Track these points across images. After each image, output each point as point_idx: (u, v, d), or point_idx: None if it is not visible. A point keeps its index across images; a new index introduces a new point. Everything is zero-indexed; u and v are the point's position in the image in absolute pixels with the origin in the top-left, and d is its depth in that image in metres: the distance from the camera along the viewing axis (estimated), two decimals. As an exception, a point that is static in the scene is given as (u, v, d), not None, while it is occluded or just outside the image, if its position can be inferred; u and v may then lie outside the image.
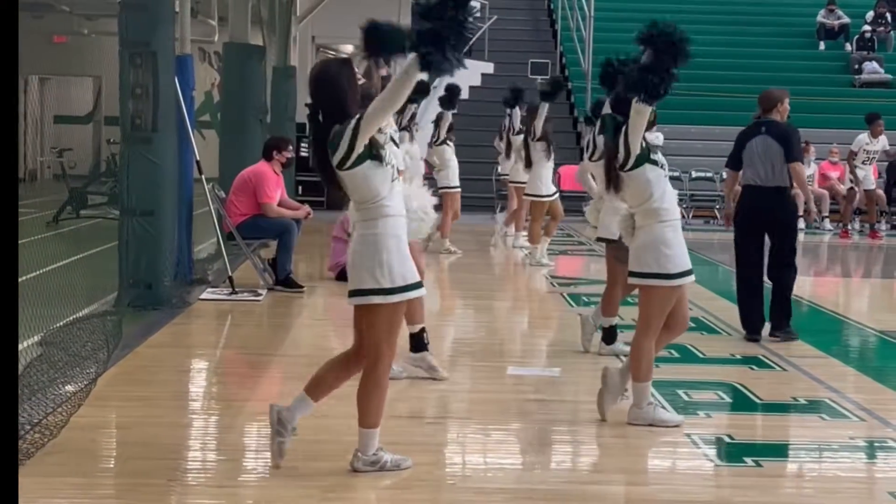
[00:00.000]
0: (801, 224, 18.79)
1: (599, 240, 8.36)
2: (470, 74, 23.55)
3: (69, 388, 6.49)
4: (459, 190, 14.55)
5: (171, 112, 9.78)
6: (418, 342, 7.31)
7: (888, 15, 26.13)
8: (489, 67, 24.14)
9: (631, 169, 6.18)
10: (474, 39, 24.69)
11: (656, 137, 22.07)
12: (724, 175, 9.89)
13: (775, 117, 8.82)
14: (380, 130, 5.14)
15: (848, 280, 13.73)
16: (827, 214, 19.41)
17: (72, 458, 5.42)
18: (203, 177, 10.99)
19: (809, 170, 19.65)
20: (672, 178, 21.66)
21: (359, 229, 5.22)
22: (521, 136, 13.36)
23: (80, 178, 19.12)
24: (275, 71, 17.11)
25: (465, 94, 22.92)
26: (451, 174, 14.40)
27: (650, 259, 6.17)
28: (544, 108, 12.78)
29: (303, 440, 5.88)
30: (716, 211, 20.02)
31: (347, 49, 25.12)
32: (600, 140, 7.70)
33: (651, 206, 6.19)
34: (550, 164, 13.12)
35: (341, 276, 11.35)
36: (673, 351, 8.38)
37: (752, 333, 8.73)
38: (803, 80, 23.77)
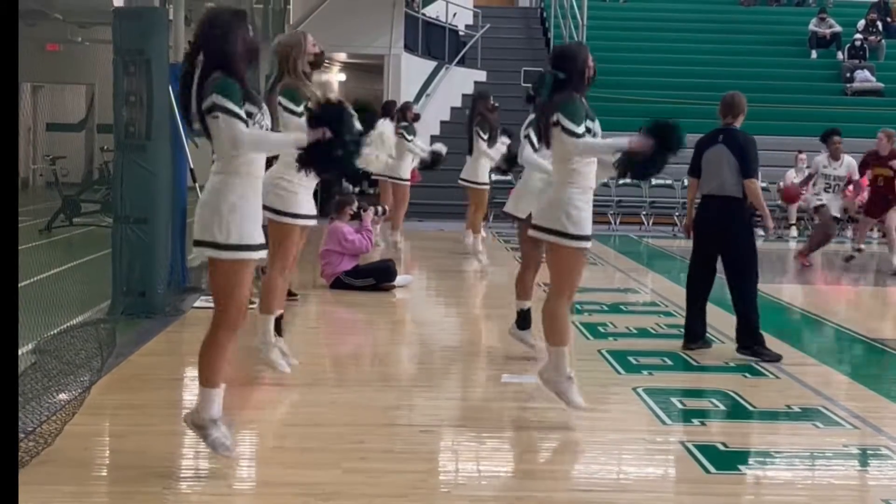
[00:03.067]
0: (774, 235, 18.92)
1: (506, 214, 8.51)
2: (462, 82, 23.62)
3: (63, 396, 6.48)
4: (409, 184, 14.72)
5: (164, 120, 9.78)
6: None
7: (879, 23, 26.23)
8: (482, 76, 24.18)
9: (563, 131, 6.26)
10: (467, 48, 24.74)
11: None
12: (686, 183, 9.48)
13: (737, 124, 8.59)
14: (250, 94, 5.21)
15: (840, 288, 13.75)
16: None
17: (66, 466, 5.42)
18: (197, 185, 10.97)
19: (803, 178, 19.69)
20: (664, 186, 21.51)
21: (210, 179, 5.26)
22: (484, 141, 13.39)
23: (73, 186, 19.09)
24: (268, 79, 17.11)
25: (457, 102, 23.01)
26: (405, 167, 14.56)
27: (553, 216, 6.29)
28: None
29: (295, 448, 5.89)
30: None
31: (340, 58, 25.17)
32: None
33: (570, 166, 6.29)
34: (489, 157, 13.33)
35: (335, 284, 11.37)
36: (667, 359, 8.40)
37: (688, 342, 8.66)
38: (795, 88, 23.85)
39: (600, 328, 9.58)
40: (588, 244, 6.40)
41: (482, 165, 13.31)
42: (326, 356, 8.65)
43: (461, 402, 7.26)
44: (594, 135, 6.33)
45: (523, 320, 8.20)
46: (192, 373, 8.05)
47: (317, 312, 10.49)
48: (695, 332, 8.69)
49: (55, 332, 8.22)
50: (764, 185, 19.72)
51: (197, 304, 10.25)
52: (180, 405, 7.07)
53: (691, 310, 8.75)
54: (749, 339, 8.46)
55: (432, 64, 23.59)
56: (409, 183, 14.96)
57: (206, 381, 5.33)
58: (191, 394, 7.45)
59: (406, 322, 10.53)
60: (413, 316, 10.87)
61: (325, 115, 5.31)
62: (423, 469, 5.62)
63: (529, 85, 7.26)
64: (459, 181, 13.69)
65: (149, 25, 9.55)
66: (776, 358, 8.36)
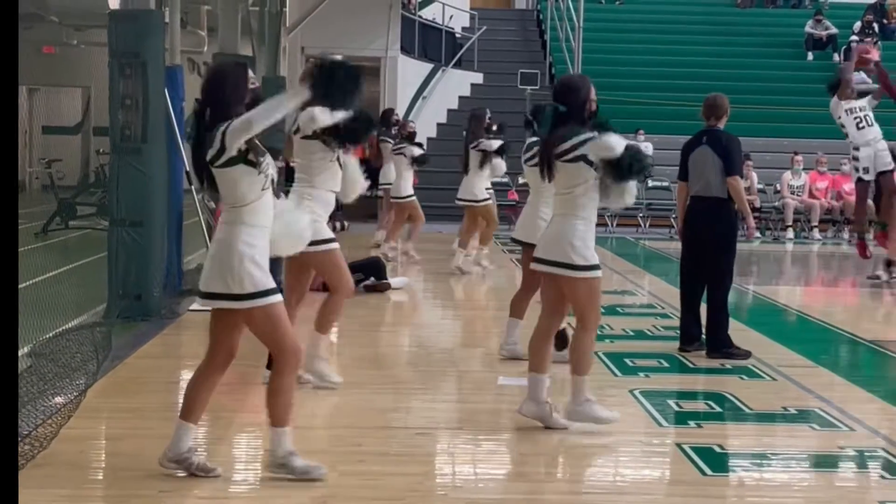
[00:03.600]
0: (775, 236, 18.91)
1: (514, 241, 8.51)
2: (458, 84, 23.64)
3: (59, 399, 6.48)
4: (413, 199, 14.55)
5: (160, 123, 9.77)
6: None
7: (875, 25, 26.25)
8: (478, 77, 24.19)
9: (569, 161, 6.22)
10: (463, 50, 24.76)
11: (645, 147, 22.26)
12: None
13: (721, 126, 8.71)
14: (255, 144, 5.25)
15: (836, 289, 13.76)
16: (816, 224, 19.47)
17: (62, 470, 5.41)
18: (193, 187, 10.97)
19: (800, 180, 19.73)
20: (661, 188, 21.53)
21: (219, 231, 5.31)
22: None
23: (69, 189, 19.08)
24: (264, 81, 17.11)
25: (453, 105, 23.03)
26: (405, 184, 14.43)
27: (558, 249, 6.26)
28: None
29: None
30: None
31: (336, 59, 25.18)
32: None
33: (573, 198, 6.27)
34: (485, 174, 13.24)
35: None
36: (663, 361, 8.40)
37: (683, 344, 8.71)
38: (792, 90, 23.87)
39: (597, 330, 9.55)
40: (599, 273, 6.36)
41: (479, 182, 13.22)
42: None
43: (458, 404, 7.26)
44: (596, 169, 6.24)
45: (562, 342, 8.21)
46: (188, 375, 8.04)
47: (312, 314, 10.47)
48: (690, 335, 8.71)
49: (51, 335, 8.22)
50: (761, 186, 19.79)
51: (193, 307, 10.24)
52: (176, 408, 7.02)
53: (686, 312, 8.77)
54: (717, 342, 8.52)
55: (429, 66, 23.60)
56: (413, 198, 14.71)
57: (281, 421, 5.32)
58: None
59: (402, 324, 10.52)
60: (409, 318, 10.87)
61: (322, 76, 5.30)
62: (420, 471, 5.62)
63: (528, 111, 7.38)
64: (458, 202, 13.52)
65: (144, 28, 9.55)
66: (746, 355, 8.46)
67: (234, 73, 5.36)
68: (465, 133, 13.54)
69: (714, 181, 8.45)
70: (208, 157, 5.20)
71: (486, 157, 13.05)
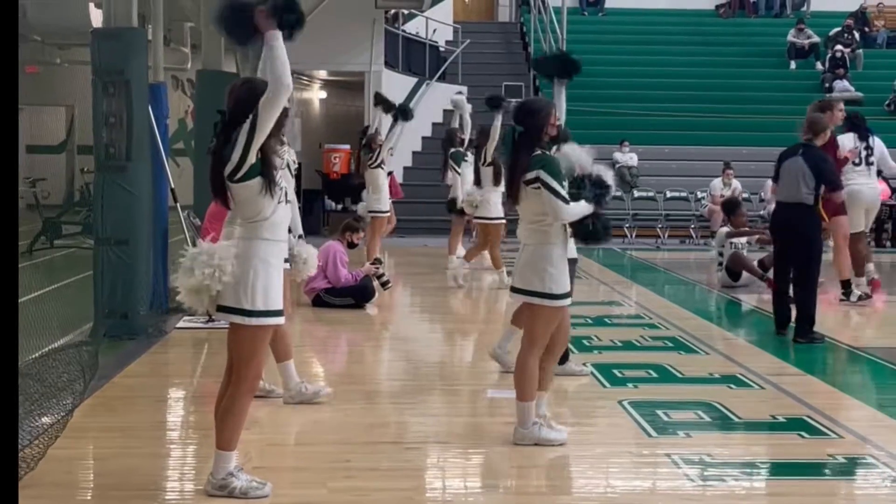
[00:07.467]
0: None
1: None
2: (443, 98, 23.65)
3: (45, 419, 6.43)
4: (388, 214, 14.43)
5: (144, 140, 9.75)
6: None
7: (856, 33, 26.38)
8: (462, 91, 24.19)
9: (536, 188, 6.18)
10: (447, 63, 24.79)
11: (630, 158, 22.31)
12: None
13: (818, 142, 9.76)
14: (277, 155, 5.26)
15: (824, 296, 13.75)
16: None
17: (49, 491, 5.38)
18: (178, 204, 10.95)
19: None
20: (646, 199, 21.55)
21: (237, 247, 5.26)
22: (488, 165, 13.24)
23: (53, 208, 19.02)
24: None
25: (438, 118, 23.03)
26: (383, 198, 14.26)
27: (535, 277, 6.20)
28: (496, 132, 12.78)
29: (280, 467, 5.86)
30: (690, 230, 20.11)
31: (321, 75, 25.19)
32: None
33: (542, 226, 6.22)
34: (500, 189, 13.23)
35: (316, 301, 11.34)
36: (651, 371, 8.40)
37: (779, 328, 9.99)
38: (775, 99, 23.96)
39: (585, 341, 9.57)
40: (569, 301, 6.33)
41: (492, 201, 13.18)
42: (310, 374, 8.62)
43: (447, 418, 7.24)
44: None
45: (563, 356, 8.20)
46: (175, 394, 8.03)
47: (300, 330, 10.46)
48: (787, 317, 9.91)
49: (37, 355, 8.16)
50: (746, 195, 19.83)
51: (180, 324, 10.21)
52: (164, 426, 7.05)
53: (780, 298, 9.94)
54: (807, 327, 9.63)
55: (413, 80, 23.62)
56: (387, 214, 14.56)
57: (227, 444, 5.28)
58: (175, 415, 7.44)
59: (390, 339, 10.50)
60: (397, 333, 10.85)
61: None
62: (410, 486, 5.61)
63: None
64: (475, 219, 13.44)
65: (127, 45, 9.53)
66: (822, 338, 9.68)
67: (256, 85, 5.35)
68: (499, 153, 13.57)
69: (803, 191, 9.52)
70: (227, 171, 5.17)
71: (496, 172, 12.99)
